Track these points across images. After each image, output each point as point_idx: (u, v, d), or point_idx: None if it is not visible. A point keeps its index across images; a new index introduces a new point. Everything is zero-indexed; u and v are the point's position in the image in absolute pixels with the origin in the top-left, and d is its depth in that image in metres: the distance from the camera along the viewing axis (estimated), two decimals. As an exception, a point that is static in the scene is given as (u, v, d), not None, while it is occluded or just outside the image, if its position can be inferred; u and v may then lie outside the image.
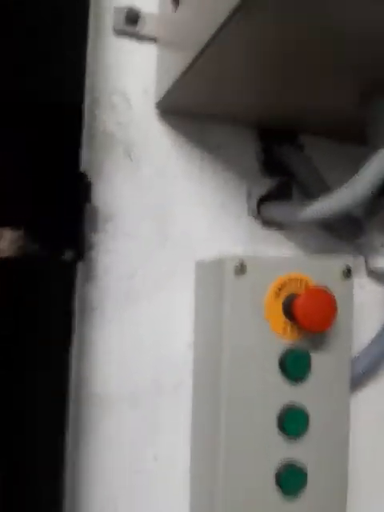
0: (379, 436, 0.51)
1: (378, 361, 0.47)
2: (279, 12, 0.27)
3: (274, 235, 0.48)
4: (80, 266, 0.38)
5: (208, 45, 0.30)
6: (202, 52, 0.31)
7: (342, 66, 0.34)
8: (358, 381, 0.47)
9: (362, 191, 0.36)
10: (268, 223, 0.47)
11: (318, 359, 0.39)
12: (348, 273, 0.40)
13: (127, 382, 0.43)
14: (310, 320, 0.36)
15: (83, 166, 0.38)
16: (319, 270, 0.40)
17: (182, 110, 0.42)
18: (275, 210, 0.46)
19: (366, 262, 0.51)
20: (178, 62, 0.36)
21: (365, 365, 0.46)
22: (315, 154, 0.48)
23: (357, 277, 0.51)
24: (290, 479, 0.38)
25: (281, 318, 0.38)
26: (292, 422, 0.38)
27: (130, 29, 0.41)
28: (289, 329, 0.38)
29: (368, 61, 0.34)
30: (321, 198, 0.40)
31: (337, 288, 0.39)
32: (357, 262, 0.51)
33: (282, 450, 0.38)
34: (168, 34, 0.40)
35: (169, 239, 0.43)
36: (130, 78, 0.42)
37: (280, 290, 0.38)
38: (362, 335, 0.49)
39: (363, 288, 0.52)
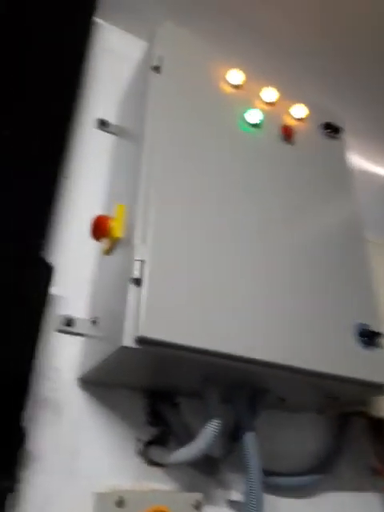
0: None
1: None
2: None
3: (157, 472, 0.65)
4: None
5: (104, 361, 0.54)
6: (101, 363, 0.55)
7: (191, 370, 0.59)
8: None
9: (200, 448, 0.57)
10: (152, 463, 0.65)
11: None
12: (198, 505, 0.58)
13: None
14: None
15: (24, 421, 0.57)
16: (177, 501, 0.57)
17: (94, 382, 0.64)
18: (155, 454, 0.64)
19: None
20: (92, 361, 0.59)
21: None
22: (188, 409, 0.70)
23: (217, 506, 0.68)
24: None
25: (148, 540, 0.54)
26: None
27: (66, 329, 0.66)
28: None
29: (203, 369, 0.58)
30: (179, 449, 0.60)
31: (189, 516, 0.56)
32: (217, 495, 0.69)
33: None
34: (88, 342, 0.65)
35: (77, 475, 0.60)
36: (63, 360, 0.64)
37: (147, 517, 0.55)
38: None
39: (224, 517, 0.68)
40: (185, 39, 0.78)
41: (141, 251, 0.54)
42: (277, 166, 0.77)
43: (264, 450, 0.76)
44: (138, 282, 0.52)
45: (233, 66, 0.80)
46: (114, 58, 0.96)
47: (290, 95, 0.87)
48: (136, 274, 0.52)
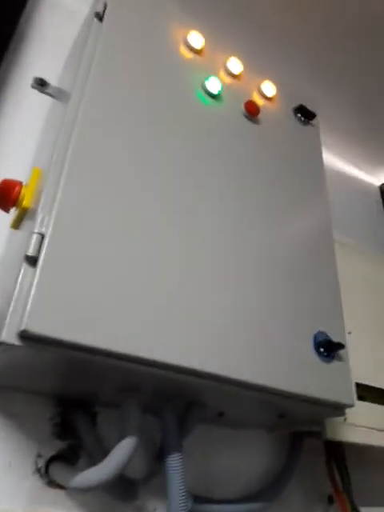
0: None
1: None
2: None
3: (59, 495, 0.54)
4: None
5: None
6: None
7: (102, 376, 0.48)
8: None
9: (108, 472, 0.47)
10: (53, 484, 0.54)
11: None
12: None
13: None
14: None
15: None
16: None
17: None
18: (58, 473, 0.53)
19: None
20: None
21: None
22: (108, 420, 0.59)
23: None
24: None
25: None
26: None
27: None
28: None
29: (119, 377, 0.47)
30: (88, 469, 0.49)
31: None
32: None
33: None
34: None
35: None
36: None
37: None
38: None
39: None
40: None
41: (42, 223, 0.43)
42: (236, 144, 0.66)
43: (200, 472, 0.67)
44: (32, 261, 0.41)
45: (194, 28, 0.69)
46: (67, 17, 0.85)
47: (258, 70, 0.77)
48: (31, 250, 0.41)
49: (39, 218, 0.43)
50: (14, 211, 0.53)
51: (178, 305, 0.47)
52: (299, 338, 0.57)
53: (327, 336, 0.60)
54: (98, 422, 0.58)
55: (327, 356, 0.58)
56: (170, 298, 0.47)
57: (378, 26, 0.94)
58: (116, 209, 0.48)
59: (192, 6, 0.74)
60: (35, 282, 0.39)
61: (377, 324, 0.89)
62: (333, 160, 1.31)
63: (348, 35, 0.97)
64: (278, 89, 0.77)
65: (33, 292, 0.39)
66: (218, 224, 0.56)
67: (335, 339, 0.59)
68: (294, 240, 0.66)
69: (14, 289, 0.40)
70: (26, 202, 0.50)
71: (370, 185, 1.43)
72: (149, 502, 0.58)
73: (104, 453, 0.54)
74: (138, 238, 0.48)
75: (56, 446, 0.55)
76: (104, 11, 0.61)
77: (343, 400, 0.57)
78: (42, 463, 0.54)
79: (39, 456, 0.54)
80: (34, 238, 0.42)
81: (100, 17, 0.60)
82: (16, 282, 0.40)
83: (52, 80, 0.75)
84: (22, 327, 0.37)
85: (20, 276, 0.41)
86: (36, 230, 0.42)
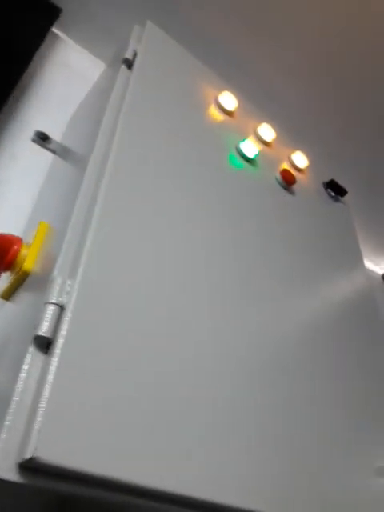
0: None
1: None
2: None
3: None
4: None
5: None
6: None
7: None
8: None
9: None
10: None
11: None
12: None
13: None
14: None
15: None
16: None
17: None
18: None
19: None
20: None
21: None
22: None
23: None
24: None
25: None
26: None
27: None
28: None
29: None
30: None
31: None
32: None
33: None
34: None
35: None
36: None
37: None
38: None
39: None
40: (169, 44, 0.61)
41: (60, 290, 0.30)
42: (272, 212, 0.57)
43: None
44: (45, 343, 0.27)
45: (224, 89, 0.63)
46: (74, 77, 0.78)
47: (287, 140, 0.71)
48: (45, 328, 0.27)
49: (57, 283, 0.30)
50: (5, 276, 0.40)
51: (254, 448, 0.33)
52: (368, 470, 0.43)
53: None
54: None
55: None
56: (231, 430, 0.33)
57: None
58: (145, 280, 0.35)
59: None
60: (51, 378, 0.25)
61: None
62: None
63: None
64: (310, 161, 0.70)
65: (47, 393, 0.25)
66: (264, 314, 0.45)
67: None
68: (344, 328, 0.54)
69: (13, 389, 0.26)
70: (28, 263, 0.37)
71: (373, 273, 1.36)
72: None
73: None
74: (177, 323, 0.35)
75: None
76: (134, 59, 0.53)
77: None
78: None
79: None
80: (50, 311, 0.28)
81: (129, 64, 0.52)
82: (15, 377, 0.26)
83: (53, 136, 0.67)
84: (29, 455, 0.23)
85: (23, 368, 0.26)
86: (52, 300, 0.29)
